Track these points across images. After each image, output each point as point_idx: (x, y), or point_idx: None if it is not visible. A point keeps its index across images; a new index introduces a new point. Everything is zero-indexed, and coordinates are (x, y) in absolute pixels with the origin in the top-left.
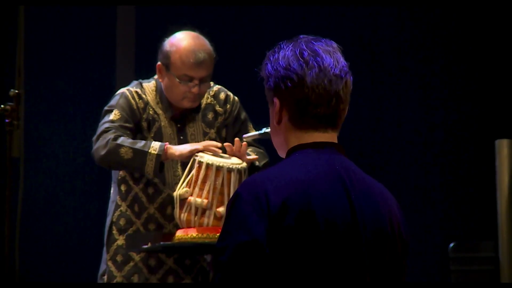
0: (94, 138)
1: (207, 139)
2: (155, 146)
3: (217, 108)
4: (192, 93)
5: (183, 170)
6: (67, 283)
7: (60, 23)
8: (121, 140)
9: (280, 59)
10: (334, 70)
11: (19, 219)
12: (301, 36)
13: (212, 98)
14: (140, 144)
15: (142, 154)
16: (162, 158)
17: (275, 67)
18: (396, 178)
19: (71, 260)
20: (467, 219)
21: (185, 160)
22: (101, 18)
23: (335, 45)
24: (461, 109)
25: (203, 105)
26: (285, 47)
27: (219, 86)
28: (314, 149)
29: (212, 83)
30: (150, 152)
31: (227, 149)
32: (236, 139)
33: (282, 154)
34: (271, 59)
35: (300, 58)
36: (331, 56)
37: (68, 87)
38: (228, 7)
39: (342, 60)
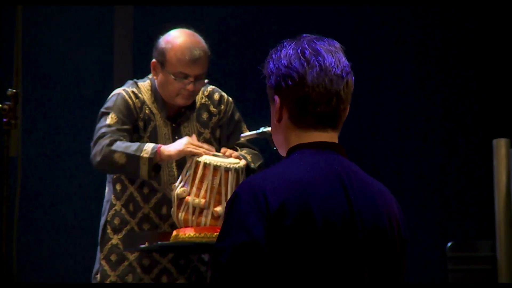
0: (92, 143)
1: (201, 139)
2: (147, 149)
3: (211, 108)
4: (187, 91)
5: (179, 170)
6: (63, 283)
7: (58, 22)
8: (115, 145)
9: (281, 57)
10: (335, 69)
11: (16, 218)
12: (304, 35)
13: (206, 99)
14: (133, 148)
15: (135, 159)
16: (155, 161)
17: (276, 65)
18: (394, 178)
19: (68, 259)
20: (465, 218)
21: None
22: (99, 18)
23: (337, 44)
24: (459, 109)
25: (197, 105)
26: (287, 45)
27: (213, 87)
28: (313, 149)
29: (206, 81)
30: (142, 156)
31: (222, 151)
32: (231, 151)
33: (282, 152)
34: (273, 57)
35: (302, 57)
36: (332, 55)
37: (65, 87)
38: (226, 7)
39: (344, 60)
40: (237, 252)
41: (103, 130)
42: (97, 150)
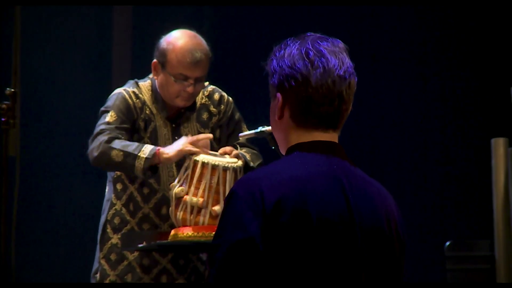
0: (90, 139)
1: None
2: (145, 150)
3: (211, 108)
4: (187, 92)
5: (178, 170)
6: (62, 283)
7: (56, 22)
8: (113, 143)
9: (285, 56)
10: (338, 71)
11: (14, 218)
12: (308, 34)
13: (206, 99)
14: (132, 147)
15: (131, 158)
16: (152, 162)
17: (280, 64)
18: (392, 177)
19: (67, 258)
20: (463, 217)
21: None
22: (97, 17)
23: (341, 45)
24: (458, 108)
25: (197, 105)
26: (291, 44)
27: (214, 87)
28: (313, 148)
29: (207, 83)
30: (139, 156)
31: (220, 151)
32: (230, 148)
33: (282, 150)
34: (277, 55)
35: (306, 58)
36: (336, 57)
37: (64, 86)
38: (225, 7)
39: (347, 61)
40: (233, 249)
41: (102, 127)
42: (94, 146)
